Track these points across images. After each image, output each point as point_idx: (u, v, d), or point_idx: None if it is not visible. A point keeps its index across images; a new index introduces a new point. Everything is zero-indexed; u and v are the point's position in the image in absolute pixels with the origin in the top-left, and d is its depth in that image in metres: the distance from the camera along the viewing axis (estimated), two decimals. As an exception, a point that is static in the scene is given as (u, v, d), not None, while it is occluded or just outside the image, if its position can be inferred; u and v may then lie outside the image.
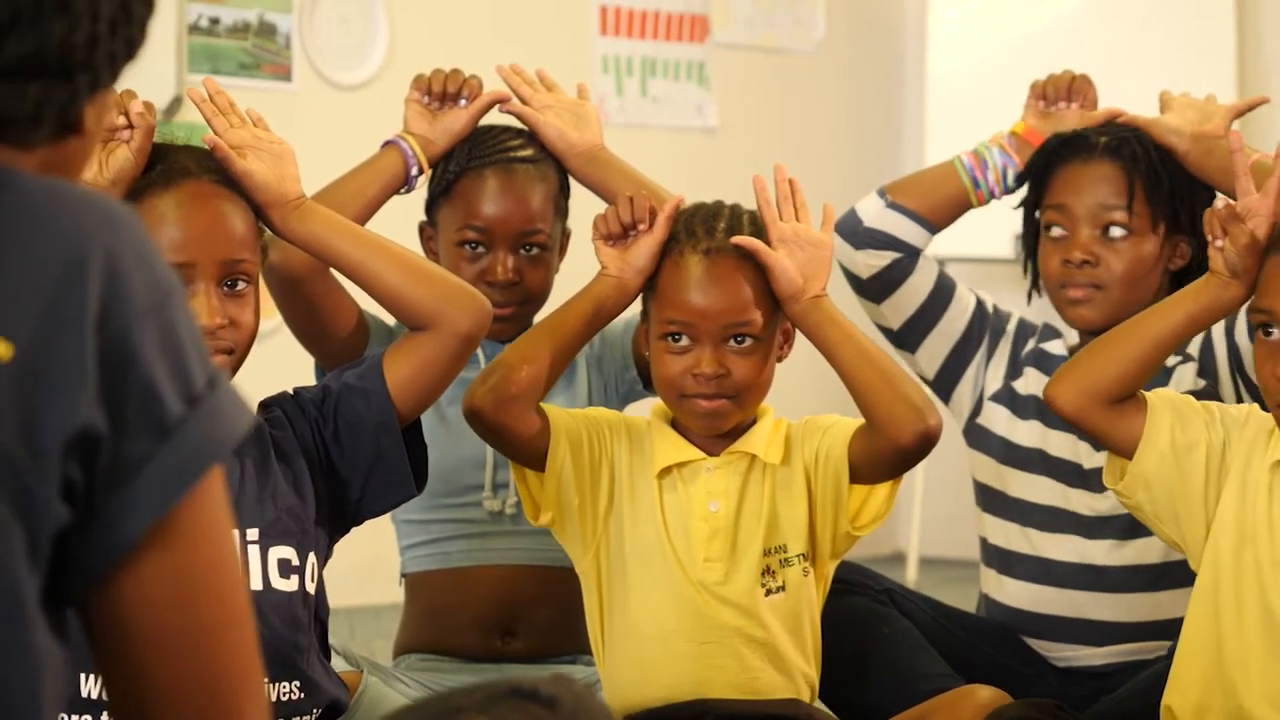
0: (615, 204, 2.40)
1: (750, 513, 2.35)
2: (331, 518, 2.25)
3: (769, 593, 2.34)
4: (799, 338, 2.41)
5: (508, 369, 2.32)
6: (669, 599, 2.34)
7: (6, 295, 1.08)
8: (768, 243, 2.34)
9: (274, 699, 2.12)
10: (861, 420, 2.33)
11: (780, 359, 2.40)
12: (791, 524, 2.35)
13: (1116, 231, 2.73)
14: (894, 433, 2.27)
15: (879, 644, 2.62)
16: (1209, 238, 2.29)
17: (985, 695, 2.42)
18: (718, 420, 2.34)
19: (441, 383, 2.27)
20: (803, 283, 2.33)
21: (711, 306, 2.32)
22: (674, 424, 2.39)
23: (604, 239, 2.39)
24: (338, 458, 2.23)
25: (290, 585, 2.16)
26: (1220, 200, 2.63)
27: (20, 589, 1.08)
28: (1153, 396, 2.35)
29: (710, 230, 2.34)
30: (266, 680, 2.08)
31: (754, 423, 2.39)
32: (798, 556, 2.35)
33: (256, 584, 2.13)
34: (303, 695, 2.15)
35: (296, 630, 2.16)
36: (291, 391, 2.28)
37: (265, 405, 2.23)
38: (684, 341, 2.33)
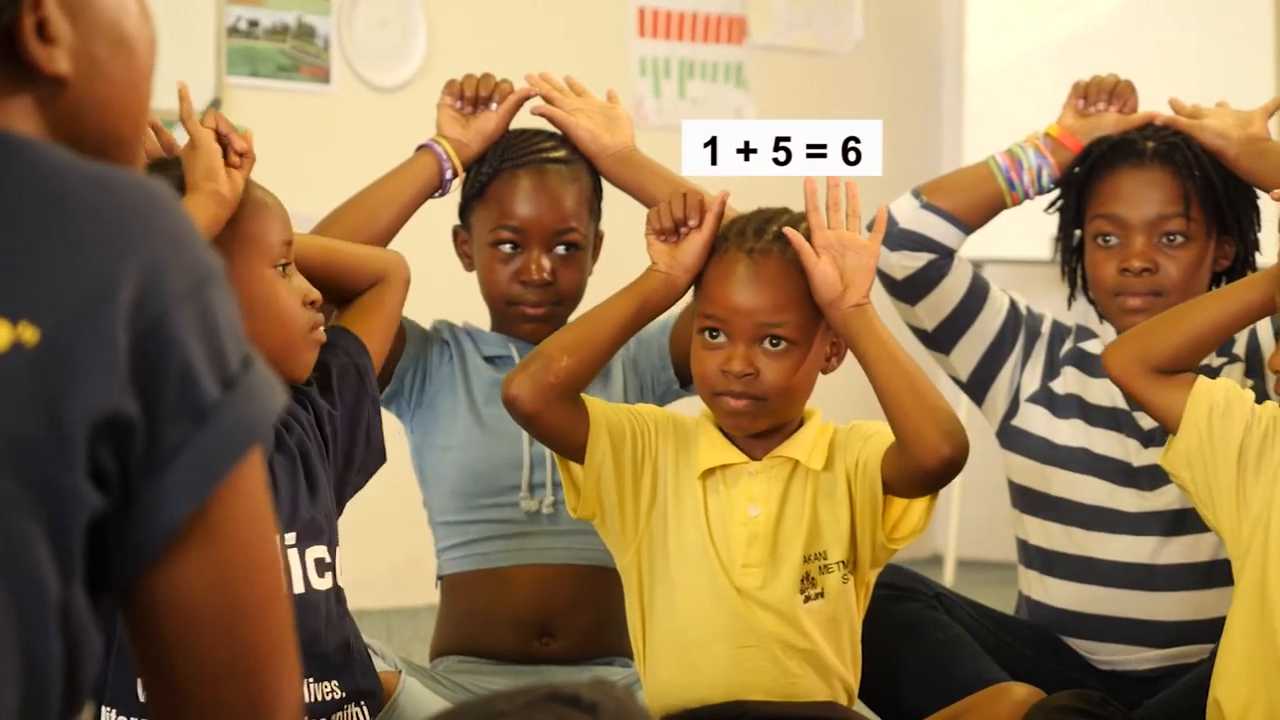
0: (669, 200, 2.39)
1: (791, 518, 2.34)
2: (338, 505, 2.28)
3: (808, 599, 2.33)
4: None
5: (547, 358, 2.32)
6: (710, 602, 2.33)
7: (34, 281, 1.05)
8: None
9: (315, 699, 2.12)
10: (900, 435, 2.32)
11: (825, 371, 2.38)
12: (833, 530, 2.34)
13: (1173, 238, 2.72)
14: (918, 454, 2.24)
15: (935, 649, 2.61)
16: None
17: (1021, 693, 2.42)
18: (743, 420, 2.33)
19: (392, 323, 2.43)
20: (843, 289, 2.31)
21: (745, 304, 2.30)
22: (720, 425, 2.38)
23: (656, 234, 2.39)
24: (343, 432, 2.29)
25: (325, 584, 2.18)
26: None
27: (40, 576, 1.05)
28: (1203, 378, 2.36)
29: (760, 233, 2.33)
30: (311, 681, 2.09)
31: (800, 426, 2.38)
32: (838, 564, 2.34)
33: (299, 587, 2.14)
34: (343, 694, 2.17)
35: (334, 628, 2.18)
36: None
37: None
38: (720, 339, 2.32)
